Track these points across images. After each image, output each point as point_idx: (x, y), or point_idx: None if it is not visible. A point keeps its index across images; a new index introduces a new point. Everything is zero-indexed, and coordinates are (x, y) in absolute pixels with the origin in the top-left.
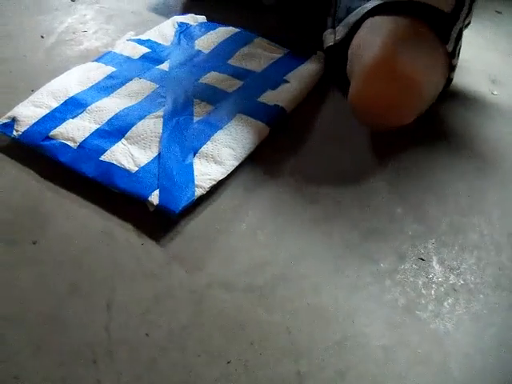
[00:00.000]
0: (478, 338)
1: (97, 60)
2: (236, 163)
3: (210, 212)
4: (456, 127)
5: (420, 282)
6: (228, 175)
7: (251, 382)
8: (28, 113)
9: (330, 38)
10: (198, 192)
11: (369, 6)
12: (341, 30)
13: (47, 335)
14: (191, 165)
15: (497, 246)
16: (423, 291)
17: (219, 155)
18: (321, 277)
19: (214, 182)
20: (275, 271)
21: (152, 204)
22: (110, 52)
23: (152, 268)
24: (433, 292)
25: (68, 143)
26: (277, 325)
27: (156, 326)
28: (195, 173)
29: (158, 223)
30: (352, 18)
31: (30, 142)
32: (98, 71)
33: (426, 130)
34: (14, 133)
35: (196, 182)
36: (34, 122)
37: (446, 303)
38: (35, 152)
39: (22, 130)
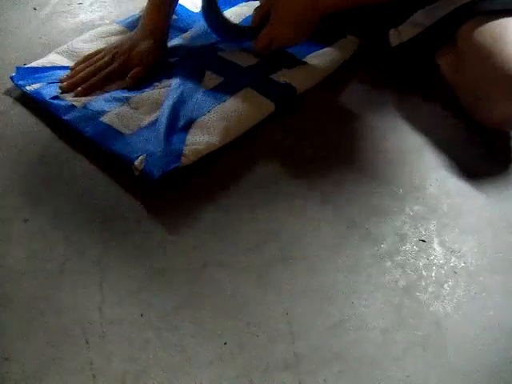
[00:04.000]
0: (477, 320)
1: (121, 22)
2: (230, 137)
3: (207, 189)
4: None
5: (420, 264)
6: (225, 148)
7: (247, 364)
8: (42, 71)
9: (394, 38)
10: (184, 161)
11: (443, 12)
12: (408, 30)
13: (37, 315)
14: (185, 134)
15: (496, 229)
16: (424, 273)
17: (214, 127)
18: (320, 257)
19: (203, 154)
20: (273, 251)
21: (137, 168)
22: (135, 15)
23: (147, 246)
24: (433, 274)
25: (74, 103)
26: (274, 306)
27: (150, 305)
28: (186, 142)
29: (156, 198)
30: (426, 19)
31: (39, 98)
32: (120, 36)
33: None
34: (27, 87)
35: (184, 152)
36: (46, 81)
37: (446, 285)
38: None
39: (35, 87)
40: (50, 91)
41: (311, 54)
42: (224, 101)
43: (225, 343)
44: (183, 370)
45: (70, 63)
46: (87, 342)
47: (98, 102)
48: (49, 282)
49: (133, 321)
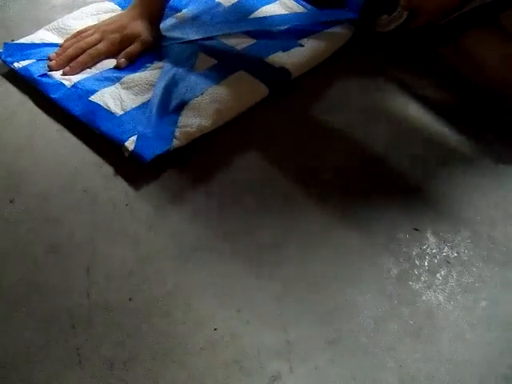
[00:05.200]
0: (469, 311)
1: (113, 0)
2: (223, 120)
3: (199, 172)
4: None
5: (414, 253)
6: (218, 130)
7: (238, 351)
8: (31, 48)
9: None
10: (176, 143)
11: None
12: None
13: (23, 300)
14: (177, 116)
15: (492, 220)
16: (416, 262)
17: (206, 110)
18: (312, 244)
19: (195, 136)
20: (264, 237)
21: (127, 149)
22: None
23: (136, 229)
24: (426, 263)
25: (63, 82)
26: (265, 292)
27: (140, 290)
28: (178, 124)
29: (146, 181)
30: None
31: (27, 75)
32: (112, 14)
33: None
34: (15, 64)
35: (176, 134)
36: (35, 57)
37: (438, 275)
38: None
39: (24, 64)
40: (38, 68)
41: (307, 38)
42: (217, 83)
43: (215, 329)
44: (173, 357)
45: (59, 40)
46: (74, 328)
47: (88, 81)
48: (35, 265)
49: (122, 306)
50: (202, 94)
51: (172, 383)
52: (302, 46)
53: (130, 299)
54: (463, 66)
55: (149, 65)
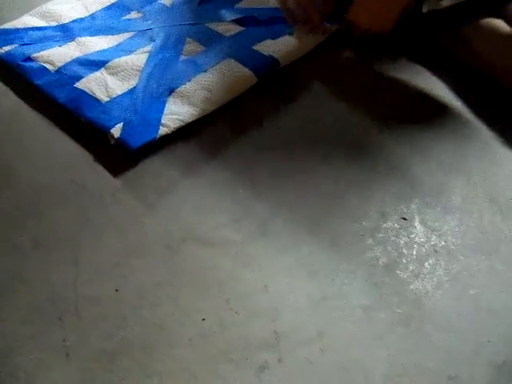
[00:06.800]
0: (457, 299)
1: None
2: (211, 107)
3: (186, 161)
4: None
5: (402, 242)
6: (205, 119)
7: (226, 342)
8: (14, 33)
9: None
10: (163, 131)
11: None
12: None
13: (9, 292)
14: (164, 103)
15: (479, 209)
16: (404, 251)
17: (194, 97)
18: (300, 234)
19: (182, 124)
20: (253, 226)
21: (113, 137)
22: None
23: (123, 220)
24: (414, 252)
25: (47, 66)
26: (254, 283)
27: (127, 281)
28: (165, 111)
29: (133, 171)
30: None
31: (10, 61)
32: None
33: (415, 85)
34: None
35: (163, 121)
36: (18, 42)
37: (426, 264)
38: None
39: (6, 50)
40: (22, 53)
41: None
42: (205, 70)
43: (203, 320)
44: (161, 349)
45: (43, 24)
46: (61, 320)
47: (72, 65)
48: (22, 258)
49: (108, 297)
50: (189, 81)
51: (160, 374)
52: (290, 34)
53: (116, 290)
54: (462, 55)
55: (135, 49)
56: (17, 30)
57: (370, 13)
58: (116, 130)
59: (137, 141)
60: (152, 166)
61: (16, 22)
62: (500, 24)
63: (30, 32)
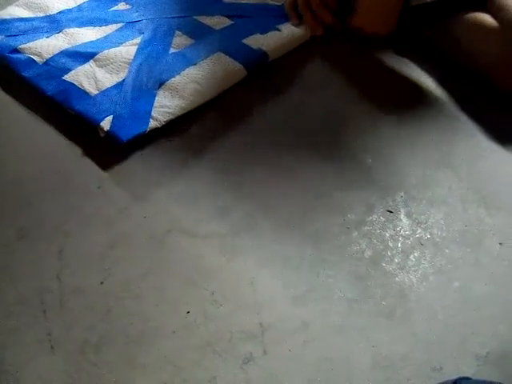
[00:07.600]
0: (442, 292)
1: None
2: (200, 101)
3: (174, 154)
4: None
5: (387, 235)
6: (194, 112)
7: (211, 334)
8: (0, 24)
9: None
10: (153, 124)
11: None
12: None
13: None
14: (153, 96)
15: (464, 201)
16: (390, 244)
17: (184, 90)
18: (286, 226)
19: (172, 117)
20: (239, 219)
21: (103, 129)
22: None
23: (109, 212)
24: (399, 245)
25: (34, 58)
26: (239, 275)
27: (111, 273)
28: (155, 104)
29: (119, 163)
30: None
31: None
32: None
33: (402, 78)
34: None
35: (153, 114)
36: (5, 34)
37: (411, 256)
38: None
39: None
40: (8, 45)
41: (283, 24)
42: (195, 64)
43: (188, 312)
44: (145, 340)
45: (30, 15)
46: (45, 312)
47: (60, 57)
48: (6, 249)
49: (93, 289)
50: (179, 74)
51: (144, 366)
52: (278, 30)
53: (101, 282)
54: (448, 48)
55: (123, 41)
56: (3, 21)
57: (376, 17)
58: (106, 123)
59: (127, 134)
60: (141, 159)
61: (2, 12)
62: (485, 17)
63: (17, 23)
